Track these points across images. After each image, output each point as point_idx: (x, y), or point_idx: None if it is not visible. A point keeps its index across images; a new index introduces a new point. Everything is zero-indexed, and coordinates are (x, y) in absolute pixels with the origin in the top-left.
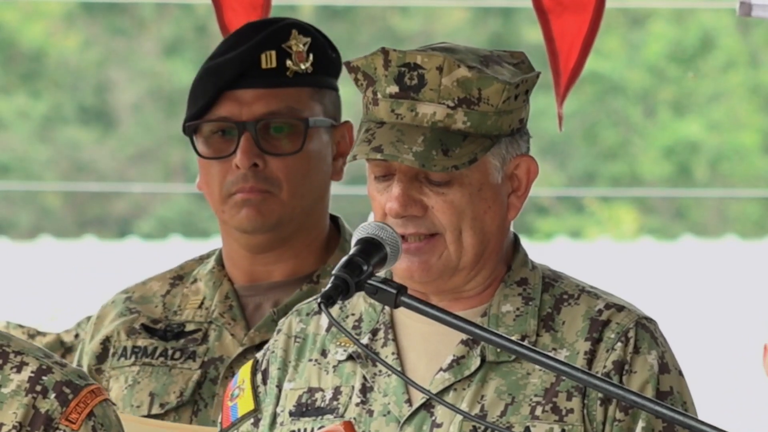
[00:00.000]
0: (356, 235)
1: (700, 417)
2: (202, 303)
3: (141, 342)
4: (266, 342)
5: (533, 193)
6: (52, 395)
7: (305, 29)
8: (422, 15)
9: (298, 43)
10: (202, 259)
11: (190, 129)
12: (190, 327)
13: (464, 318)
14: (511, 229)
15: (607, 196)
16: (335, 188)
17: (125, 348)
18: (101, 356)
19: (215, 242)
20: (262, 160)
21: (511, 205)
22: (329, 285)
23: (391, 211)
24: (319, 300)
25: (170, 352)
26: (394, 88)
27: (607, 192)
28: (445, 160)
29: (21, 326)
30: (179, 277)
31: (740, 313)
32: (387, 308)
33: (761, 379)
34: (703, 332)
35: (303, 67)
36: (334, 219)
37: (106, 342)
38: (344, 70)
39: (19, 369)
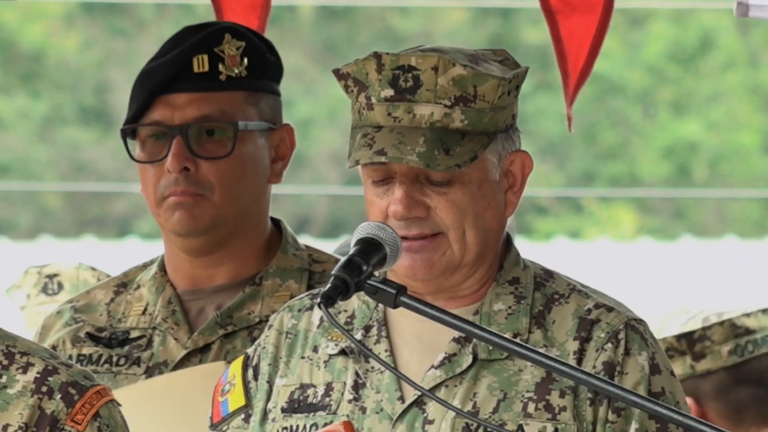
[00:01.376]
0: (356, 235)
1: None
2: (145, 309)
3: (86, 350)
4: (210, 345)
5: (532, 193)
6: (58, 396)
7: (240, 33)
8: (422, 15)
9: (231, 47)
10: (145, 266)
11: (125, 133)
12: (134, 333)
13: (464, 318)
14: (508, 228)
15: (606, 196)
16: (336, 189)
17: (70, 356)
18: None
19: None
20: (193, 164)
21: (508, 201)
22: (329, 285)
23: (396, 214)
24: (319, 300)
25: (115, 358)
26: (389, 92)
27: (607, 192)
28: (448, 159)
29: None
30: (123, 284)
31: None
32: (380, 305)
33: None
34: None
35: (237, 71)
36: (276, 222)
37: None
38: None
39: (24, 370)
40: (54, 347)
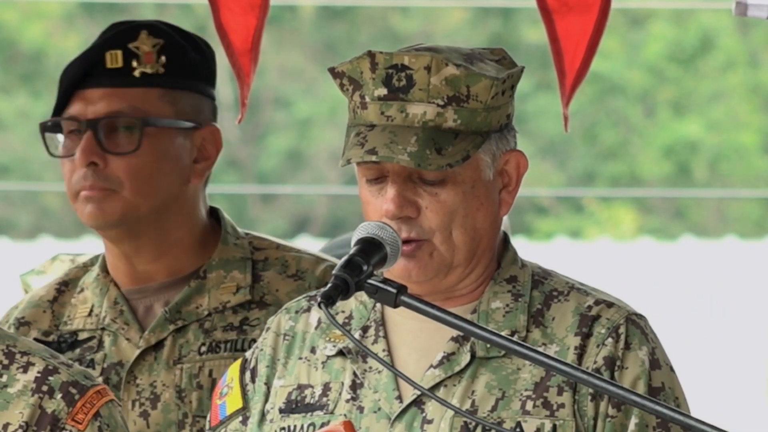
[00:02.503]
0: (356, 235)
1: (699, 415)
2: (91, 311)
3: None
4: (162, 341)
5: (533, 193)
6: (59, 395)
7: (159, 30)
8: (422, 15)
9: (147, 44)
10: (86, 266)
11: (45, 127)
12: (82, 336)
13: (465, 318)
14: (503, 228)
15: (606, 196)
16: (336, 188)
17: None
18: None
19: None
20: (102, 159)
21: (503, 201)
22: (329, 285)
23: (387, 213)
24: (319, 300)
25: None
26: (382, 91)
27: (607, 192)
28: (440, 159)
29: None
30: (65, 283)
31: (740, 312)
32: (378, 305)
33: (760, 379)
34: (703, 332)
35: (152, 68)
36: (215, 211)
37: None
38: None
39: (25, 369)
40: None
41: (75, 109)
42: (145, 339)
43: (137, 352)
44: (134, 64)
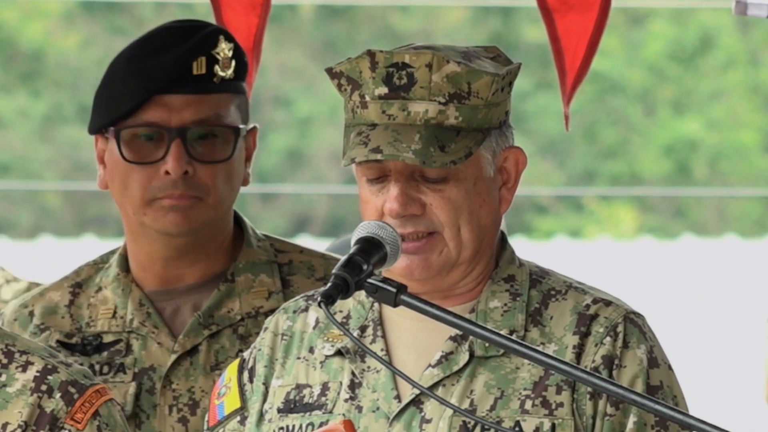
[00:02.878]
0: (356, 234)
1: (699, 414)
2: (114, 312)
3: None
4: (197, 347)
5: (533, 192)
6: (58, 395)
7: (228, 36)
8: (422, 14)
9: (225, 50)
10: (97, 264)
11: (117, 132)
12: (107, 338)
13: (465, 317)
14: (503, 227)
15: (606, 195)
16: (336, 188)
17: None
18: None
19: None
20: (191, 167)
21: (503, 198)
22: (329, 284)
23: (391, 212)
24: (319, 299)
25: (97, 366)
26: (383, 90)
27: (607, 191)
28: (443, 156)
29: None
30: (78, 284)
31: (740, 312)
32: (376, 305)
33: (760, 378)
34: (703, 331)
35: (228, 73)
36: (236, 215)
37: None
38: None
39: (24, 368)
40: None
41: (154, 115)
42: (181, 344)
43: (173, 357)
44: (216, 69)
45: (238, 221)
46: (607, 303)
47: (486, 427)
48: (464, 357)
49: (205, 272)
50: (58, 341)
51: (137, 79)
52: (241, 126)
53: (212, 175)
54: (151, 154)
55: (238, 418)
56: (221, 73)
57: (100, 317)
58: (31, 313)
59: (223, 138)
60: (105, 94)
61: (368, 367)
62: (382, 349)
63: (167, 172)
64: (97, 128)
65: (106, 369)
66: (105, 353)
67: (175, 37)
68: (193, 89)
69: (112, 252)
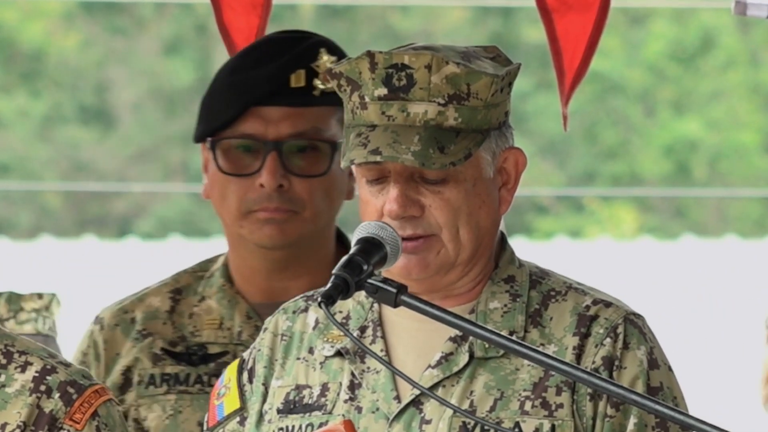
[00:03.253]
0: (356, 235)
1: (699, 415)
2: (221, 323)
3: (169, 369)
4: None
5: (533, 192)
6: (57, 395)
7: (332, 48)
8: (422, 14)
9: (326, 63)
10: (196, 272)
11: (213, 143)
12: (213, 349)
13: (466, 318)
14: (502, 227)
15: (606, 195)
16: None
17: (152, 375)
18: (123, 387)
19: (215, 242)
20: (287, 181)
21: (503, 199)
22: (329, 284)
23: (391, 213)
24: (319, 300)
25: (205, 378)
26: (382, 91)
27: (607, 191)
28: (442, 158)
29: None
30: (178, 291)
31: (740, 312)
32: (375, 305)
33: (756, 381)
34: (703, 332)
35: (328, 86)
36: (338, 231)
37: (127, 372)
38: None
39: (23, 369)
40: (129, 367)
41: (251, 126)
42: None
43: None
44: (315, 82)
45: (340, 238)
46: (607, 304)
47: (486, 427)
48: (464, 358)
49: (311, 286)
50: (162, 349)
51: (235, 91)
52: (341, 140)
53: (309, 189)
54: (247, 166)
55: (238, 419)
56: (321, 86)
57: (205, 327)
58: (133, 319)
59: (321, 152)
60: (207, 104)
61: (368, 368)
62: (381, 350)
63: (262, 185)
64: (199, 138)
65: (214, 380)
66: (212, 364)
67: (276, 48)
68: (291, 102)
69: (209, 261)
